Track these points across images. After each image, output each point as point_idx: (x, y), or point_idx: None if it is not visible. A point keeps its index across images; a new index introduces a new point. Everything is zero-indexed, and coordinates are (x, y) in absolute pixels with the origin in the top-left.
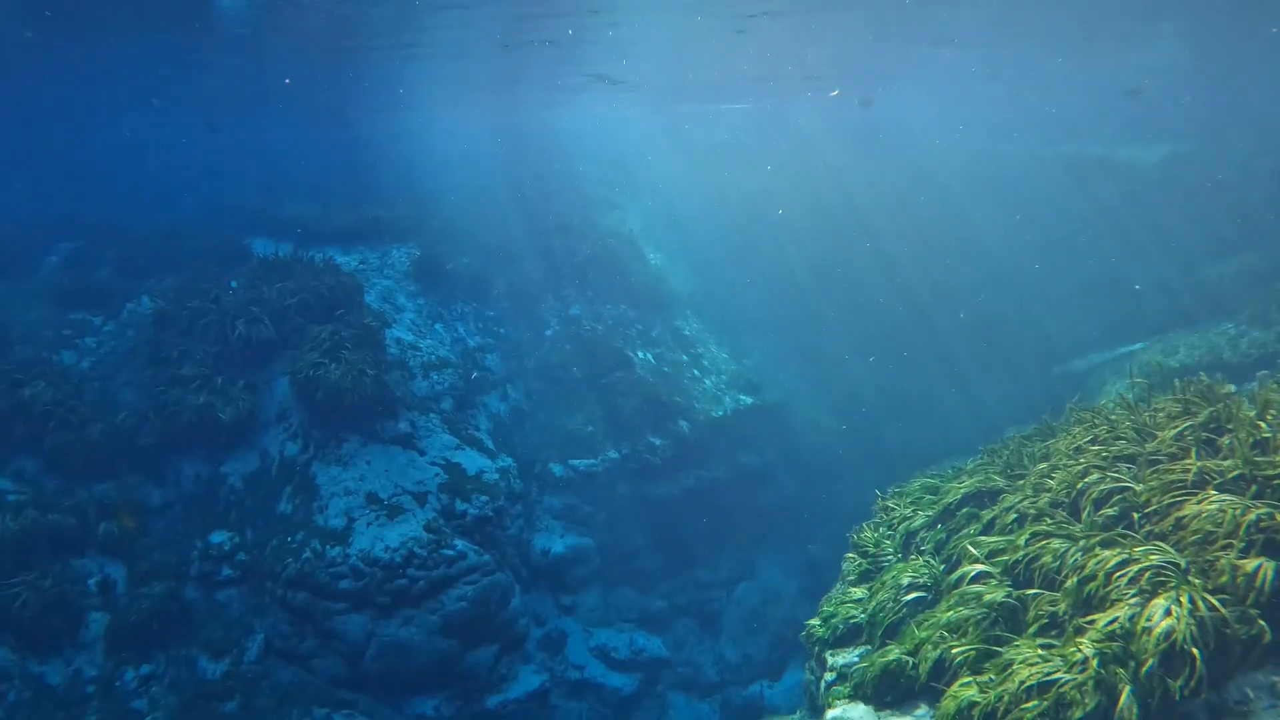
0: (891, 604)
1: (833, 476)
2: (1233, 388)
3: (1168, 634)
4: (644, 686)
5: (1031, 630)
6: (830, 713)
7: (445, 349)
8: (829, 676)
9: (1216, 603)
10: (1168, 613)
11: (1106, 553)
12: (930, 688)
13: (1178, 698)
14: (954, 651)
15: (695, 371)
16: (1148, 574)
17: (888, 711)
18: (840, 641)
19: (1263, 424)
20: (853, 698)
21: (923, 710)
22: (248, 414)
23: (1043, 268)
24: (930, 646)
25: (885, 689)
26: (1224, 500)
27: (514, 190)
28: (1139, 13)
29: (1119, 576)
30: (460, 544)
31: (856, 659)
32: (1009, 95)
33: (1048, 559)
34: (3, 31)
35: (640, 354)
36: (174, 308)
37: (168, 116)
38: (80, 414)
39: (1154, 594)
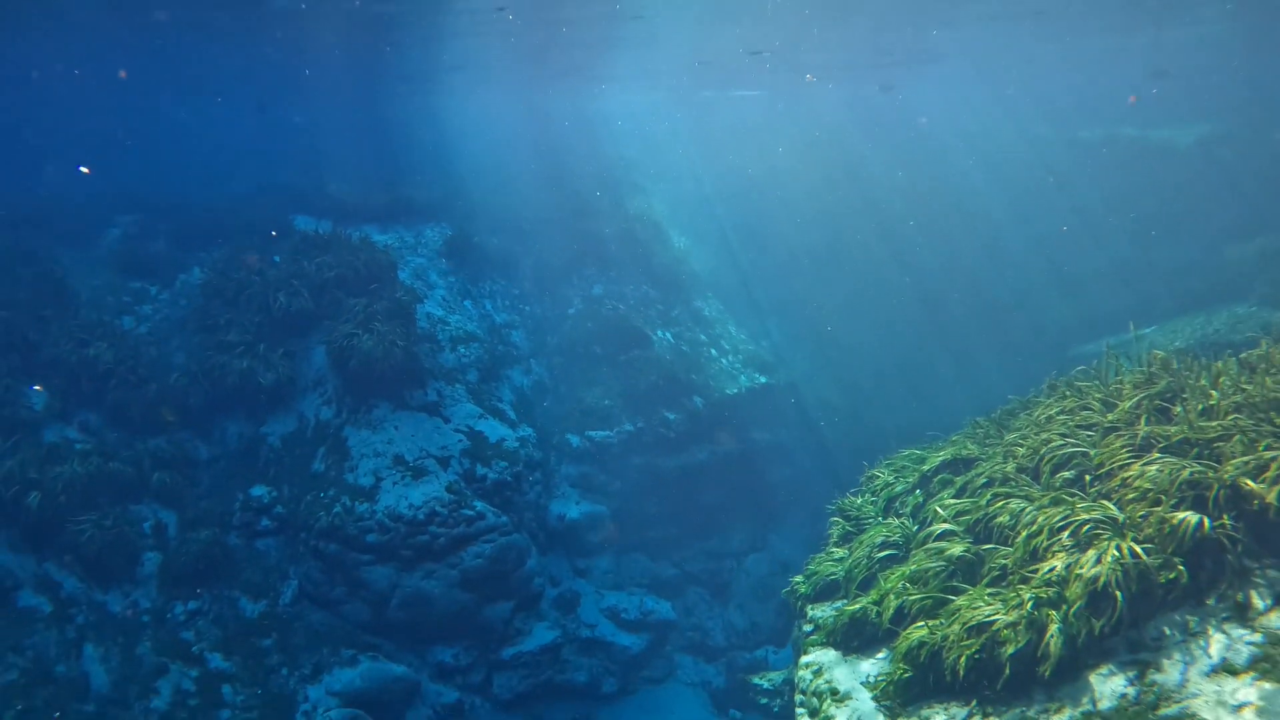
0: (865, 560)
1: (845, 454)
2: (1174, 362)
3: (1094, 579)
4: (652, 647)
5: (985, 581)
6: (804, 658)
7: (473, 324)
8: (807, 628)
9: (1141, 551)
10: (1097, 561)
11: (1053, 510)
12: (892, 632)
13: (1098, 634)
14: (911, 599)
15: (713, 351)
16: (1086, 527)
17: (854, 655)
18: (820, 596)
19: (1214, 392)
20: (825, 644)
21: (883, 653)
22: (286, 379)
23: (1065, 250)
24: (893, 596)
25: (853, 635)
26: (1165, 461)
27: (544, 173)
28: None
29: (1061, 530)
30: (479, 505)
31: (832, 611)
32: (1039, 76)
33: (1004, 518)
34: (74, 19)
35: (659, 333)
36: (221, 279)
37: (221, 98)
38: (138, 374)
39: (1089, 545)
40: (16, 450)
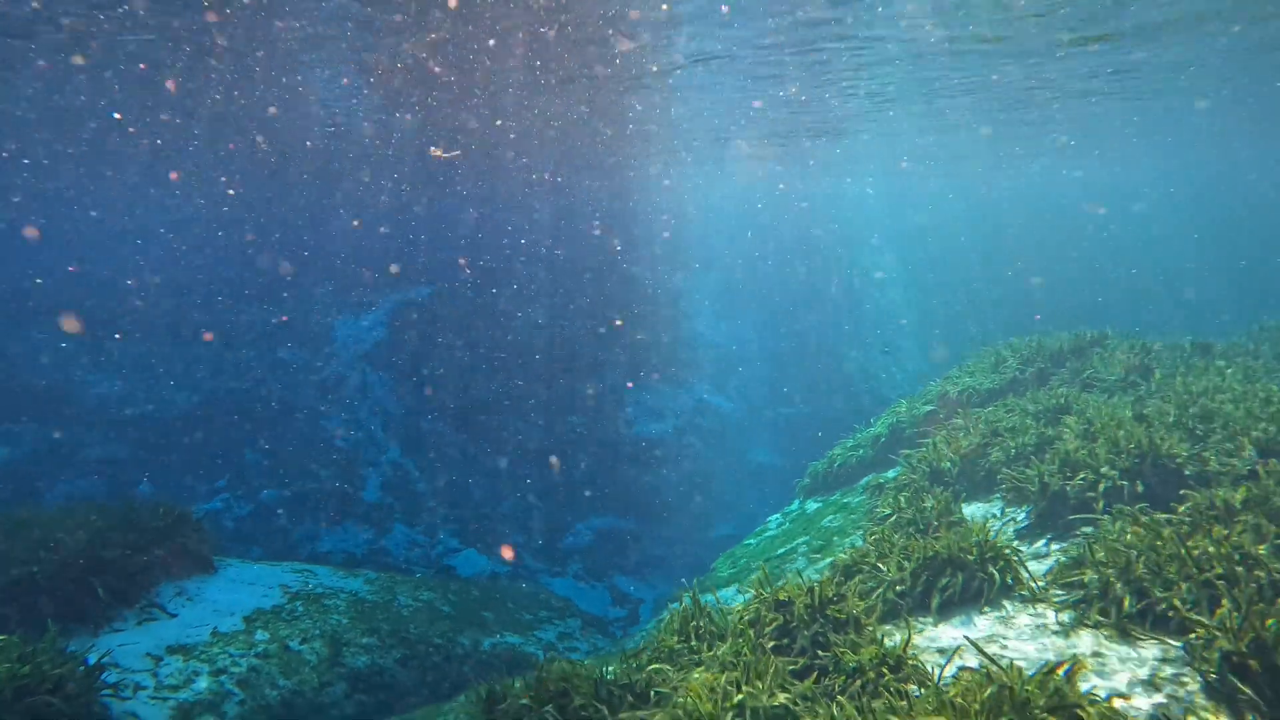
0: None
1: None
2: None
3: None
4: None
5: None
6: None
7: (721, 337)
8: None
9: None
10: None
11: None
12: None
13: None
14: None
15: (892, 367)
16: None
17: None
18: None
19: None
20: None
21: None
22: (601, 360)
23: None
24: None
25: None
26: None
27: (798, 243)
28: None
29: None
30: (692, 439)
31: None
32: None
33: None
34: None
35: (852, 353)
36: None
37: None
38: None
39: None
40: None
